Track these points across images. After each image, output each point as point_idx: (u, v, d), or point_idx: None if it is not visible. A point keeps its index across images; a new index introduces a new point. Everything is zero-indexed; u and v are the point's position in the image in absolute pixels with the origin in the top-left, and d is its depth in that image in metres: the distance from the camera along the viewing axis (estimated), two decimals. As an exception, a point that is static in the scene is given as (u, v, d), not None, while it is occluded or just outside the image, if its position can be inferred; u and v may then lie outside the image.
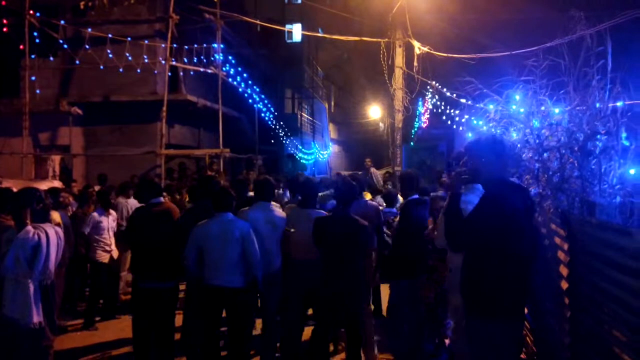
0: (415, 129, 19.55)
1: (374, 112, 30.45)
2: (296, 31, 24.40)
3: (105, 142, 12.50)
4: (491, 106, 5.25)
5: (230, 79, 13.48)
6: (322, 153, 27.77)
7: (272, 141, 20.50)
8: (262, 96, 16.44)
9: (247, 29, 16.94)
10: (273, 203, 5.00)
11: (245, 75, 14.21)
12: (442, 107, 11.93)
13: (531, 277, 2.98)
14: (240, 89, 14.28)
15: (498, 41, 10.50)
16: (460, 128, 9.55)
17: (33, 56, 11.17)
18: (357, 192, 4.76)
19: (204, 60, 12.32)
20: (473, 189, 3.14)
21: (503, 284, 2.73)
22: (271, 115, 18.29)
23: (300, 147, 23.30)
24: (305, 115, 27.27)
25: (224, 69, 12.92)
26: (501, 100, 4.96)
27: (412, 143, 21.97)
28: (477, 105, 5.64)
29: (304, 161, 24.17)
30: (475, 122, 6.13)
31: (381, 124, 30.00)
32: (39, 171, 10.84)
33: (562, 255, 3.37)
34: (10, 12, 11.21)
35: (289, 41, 25.54)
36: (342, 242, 4.38)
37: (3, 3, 10.94)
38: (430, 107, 13.11)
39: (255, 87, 15.32)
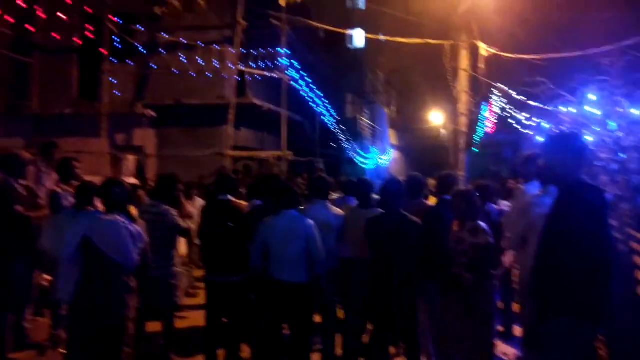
0: (479, 135, 19.06)
1: (436, 117, 29.96)
2: (358, 36, 24.46)
3: (176, 143, 13.12)
4: (563, 108, 5.10)
5: (293, 83, 13.78)
6: (381, 158, 27.65)
7: (333, 145, 20.66)
8: (324, 100, 16.65)
9: (311, 34, 17.22)
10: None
11: (308, 79, 14.47)
12: (509, 111, 11.59)
13: (608, 282, 2.86)
14: (303, 93, 14.56)
15: (569, 41, 10.08)
16: (529, 132, 9.27)
17: (115, 61, 11.96)
18: (403, 190, 4.71)
19: (269, 65, 12.69)
20: (548, 192, 3.07)
21: (578, 285, 2.64)
22: (332, 120, 18.47)
23: (360, 152, 23.33)
24: (366, 120, 27.26)
25: (287, 73, 13.23)
26: (574, 101, 4.80)
27: (475, 149, 21.43)
28: (548, 107, 5.50)
29: (363, 166, 24.17)
30: (545, 125, 5.96)
31: (442, 130, 29.45)
32: (115, 170, 11.53)
33: (640, 261, 3.24)
34: (92, 19, 12.06)
35: (350, 46, 25.66)
36: (391, 240, 4.39)
37: (90, 11, 11.77)
38: (497, 110, 12.75)
39: (317, 91, 15.56)
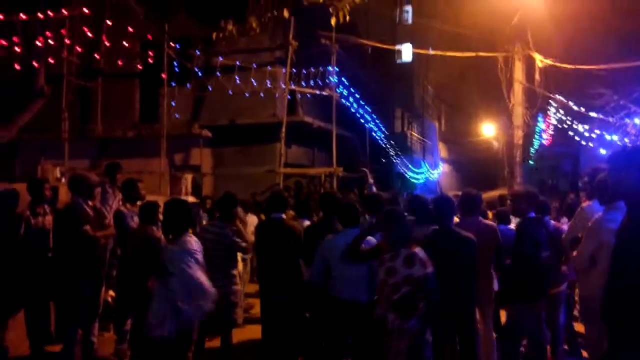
0: (535, 147, 18.46)
1: (487, 130, 29.27)
2: (406, 51, 24.47)
3: (230, 161, 13.52)
4: (627, 120, 4.89)
5: (343, 100, 13.92)
6: (432, 172, 27.26)
7: (383, 160, 20.60)
8: (373, 116, 16.67)
9: (359, 50, 17.36)
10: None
11: (357, 95, 14.56)
12: (568, 123, 11.16)
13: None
14: (352, 109, 14.66)
15: (632, 49, 9.59)
16: (589, 144, 8.87)
17: (173, 84, 12.52)
18: (454, 205, 4.57)
19: (319, 83, 12.90)
20: (616, 207, 2.94)
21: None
22: (381, 135, 18.45)
23: (410, 166, 23.13)
24: (415, 135, 27.03)
25: (337, 90, 13.39)
26: (641, 112, 4.59)
27: (530, 161, 20.75)
28: (610, 119, 5.28)
29: (413, 180, 23.90)
30: (609, 137, 5.71)
31: (495, 143, 28.72)
32: (174, 189, 11.96)
33: None
34: (152, 45, 12.67)
35: (399, 61, 25.66)
36: (445, 257, 4.23)
37: (150, 38, 12.40)
38: (555, 122, 12.32)
39: (366, 107, 15.62)
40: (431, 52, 13.76)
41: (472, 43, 13.50)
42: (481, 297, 4.61)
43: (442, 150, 31.90)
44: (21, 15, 10.66)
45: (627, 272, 2.56)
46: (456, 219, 4.78)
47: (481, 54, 12.01)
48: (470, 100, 29.09)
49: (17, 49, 10.66)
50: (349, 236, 4.45)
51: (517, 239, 4.51)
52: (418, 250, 3.56)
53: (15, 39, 10.74)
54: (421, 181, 25.06)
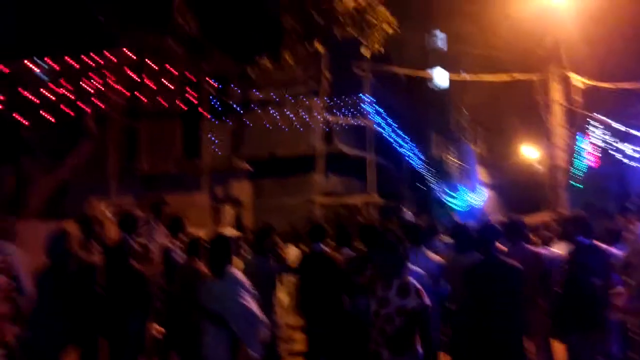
0: (579, 168, 17.92)
1: (527, 151, 28.65)
2: (440, 76, 24.44)
3: (269, 193, 13.74)
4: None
5: (378, 128, 14.01)
6: (472, 197, 26.79)
7: (421, 186, 20.43)
8: (409, 142, 16.65)
9: (392, 77, 17.50)
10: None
11: (392, 122, 14.63)
12: (612, 142, 10.86)
13: None
14: (387, 137, 14.71)
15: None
16: (635, 164, 8.57)
17: (214, 120, 12.94)
18: (498, 232, 4.48)
19: (354, 112, 13.06)
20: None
21: None
22: (418, 161, 18.36)
23: (449, 192, 22.83)
24: (453, 159, 26.75)
25: (372, 118, 13.51)
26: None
27: (575, 183, 20.09)
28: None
29: (453, 206, 23.51)
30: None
31: (538, 165, 28.03)
32: (216, 221, 12.20)
33: None
34: (192, 84, 13.13)
35: (434, 87, 25.63)
36: (491, 286, 4.16)
37: (192, 77, 12.88)
38: (600, 143, 11.99)
39: (401, 133, 15.65)
40: (466, 76, 13.74)
41: (506, 65, 13.42)
42: (528, 327, 4.49)
43: (482, 174, 31.33)
44: (67, 59, 11.23)
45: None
46: (500, 246, 4.71)
47: (517, 76, 11.91)
48: (509, 122, 28.58)
49: (65, 92, 11.23)
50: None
51: (569, 265, 4.41)
52: (412, 280, 3.41)
53: (63, 82, 11.32)
54: (463, 207, 24.61)
